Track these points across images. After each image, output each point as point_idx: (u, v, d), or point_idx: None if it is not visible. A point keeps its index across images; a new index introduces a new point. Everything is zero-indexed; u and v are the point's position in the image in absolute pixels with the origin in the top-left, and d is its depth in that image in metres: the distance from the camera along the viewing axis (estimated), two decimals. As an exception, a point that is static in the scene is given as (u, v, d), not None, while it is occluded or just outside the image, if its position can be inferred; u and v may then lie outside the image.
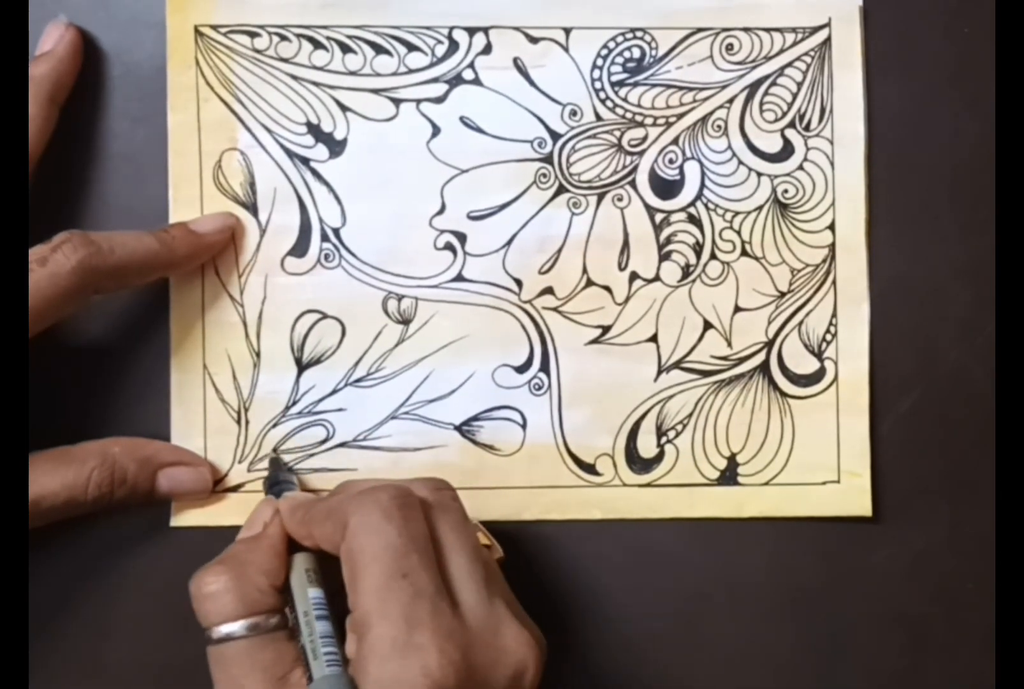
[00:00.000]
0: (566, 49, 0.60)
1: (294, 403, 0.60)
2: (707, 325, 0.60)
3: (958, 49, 0.61)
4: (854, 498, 0.60)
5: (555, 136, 0.60)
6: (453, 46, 0.60)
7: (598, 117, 0.60)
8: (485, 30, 0.60)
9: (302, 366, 0.60)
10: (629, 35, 0.60)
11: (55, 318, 0.54)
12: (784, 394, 0.60)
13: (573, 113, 0.60)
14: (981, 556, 0.60)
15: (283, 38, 0.59)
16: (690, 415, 0.60)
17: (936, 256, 0.61)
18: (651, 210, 0.60)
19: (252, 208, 0.59)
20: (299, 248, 0.60)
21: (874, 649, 0.60)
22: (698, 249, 0.60)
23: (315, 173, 0.60)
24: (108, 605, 0.60)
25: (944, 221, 0.61)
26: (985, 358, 0.60)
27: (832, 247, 0.60)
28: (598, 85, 0.60)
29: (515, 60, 0.60)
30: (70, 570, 0.59)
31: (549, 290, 0.60)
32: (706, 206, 0.60)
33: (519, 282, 0.60)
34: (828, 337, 0.60)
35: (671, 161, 0.60)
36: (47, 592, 0.59)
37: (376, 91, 0.60)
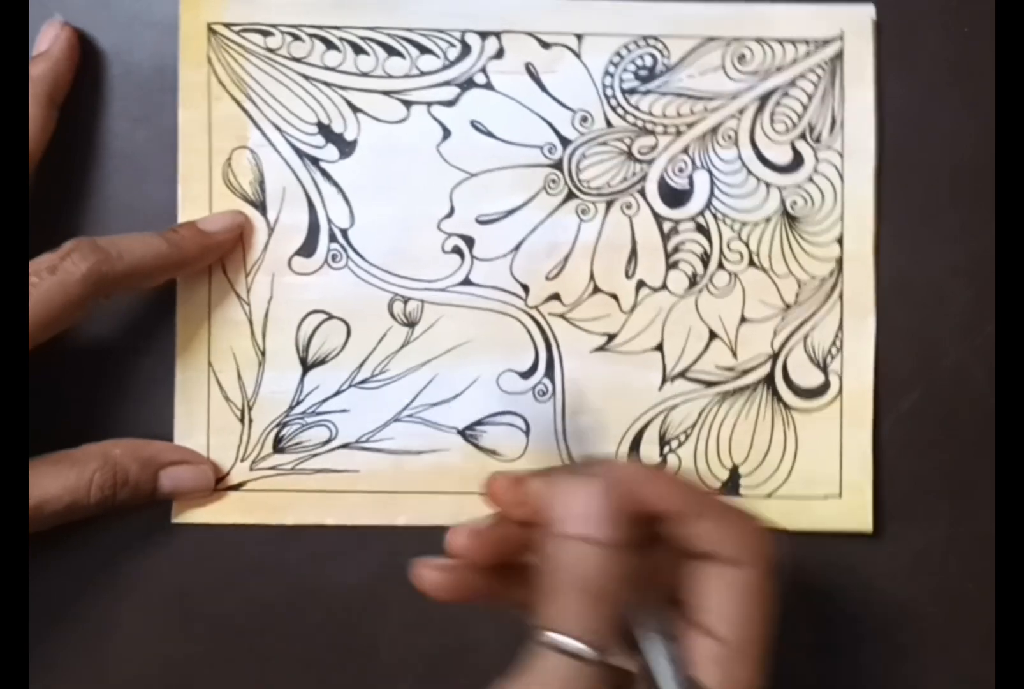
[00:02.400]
0: (578, 55, 0.60)
1: (298, 403, 0.60)
2: (712, 335, 0.60)
3: (958, 49, 0.61)
4: (855, 513, 0.60)
5: (565, 142, 0.60)
6: (465, 50, 0.60)
7: (608, 124, 0.60)
8: (497, 34, 0.60)
9: (307, 366, 0.60)
10: (641, 42, 0.60)
11: (65, 326, 0.54)
12: (788, 406, 0.61)
13: (584, 119, 0.60)
14: (981, 556, 0.60)
15: (296, 38, 0.59)
16: (693, 425, 0.61)
17: (936, 256, 0.61)
18: (659, 218, 0.60)
19: (261, 207, 0.59)
20: (307, 248, 0.60)
21: (874, 649, 0.60)
22: (705, 259, 0.60)
23: (324, 173, 0.60)
24: (109, 603, 0.59)
25: (944, 221, 0.61)
26: (985, 358, 0.61)
27: (840, 260, 0.60)
28: (609, 92, 0.60)
29: (527, 65, 0.60)
30: (70, 568, 0.59)
31: (556, 296, 0.60)
32: (714, 216, 0.60)
33: (526, 287, 0.60)
34: (833, 351, 0.60)
35: (680, 170, 0.60)
36: (47, 590, 0.59)
37: (387, 93, 0.60)
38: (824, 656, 0.60)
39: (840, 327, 0.61)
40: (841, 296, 0.61)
